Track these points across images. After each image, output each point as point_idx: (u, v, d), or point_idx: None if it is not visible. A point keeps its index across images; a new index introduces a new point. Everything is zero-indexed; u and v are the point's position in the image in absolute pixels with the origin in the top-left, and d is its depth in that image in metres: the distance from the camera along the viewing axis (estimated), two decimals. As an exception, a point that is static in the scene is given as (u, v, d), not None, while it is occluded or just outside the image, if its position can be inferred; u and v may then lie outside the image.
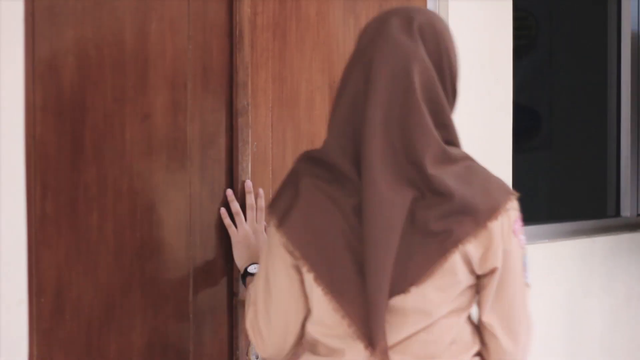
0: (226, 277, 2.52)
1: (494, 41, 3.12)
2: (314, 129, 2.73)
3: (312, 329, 2.01)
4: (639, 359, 3.67)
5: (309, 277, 1.96)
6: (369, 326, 1.91)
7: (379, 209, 1.89)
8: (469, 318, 2.01)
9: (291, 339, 2.05)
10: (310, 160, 1.99)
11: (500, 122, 3.14)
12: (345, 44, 2.80)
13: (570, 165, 3.94)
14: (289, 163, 2.67)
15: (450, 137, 1.97)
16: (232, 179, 2.53)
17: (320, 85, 2.76)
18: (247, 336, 2.19)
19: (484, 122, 3.12)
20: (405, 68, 1.93)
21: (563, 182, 3.93)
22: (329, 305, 1.94)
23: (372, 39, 1.97)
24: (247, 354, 2.52)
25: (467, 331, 2.00)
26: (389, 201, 1.89)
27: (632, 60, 3.69)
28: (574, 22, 3.84)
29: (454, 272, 1.92)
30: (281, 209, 1.97)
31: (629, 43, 3.68)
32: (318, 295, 1.96)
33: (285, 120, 2.67)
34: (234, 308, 2.52)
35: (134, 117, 2.37)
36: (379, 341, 1.91)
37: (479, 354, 2.02)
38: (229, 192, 2.49)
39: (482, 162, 3.01)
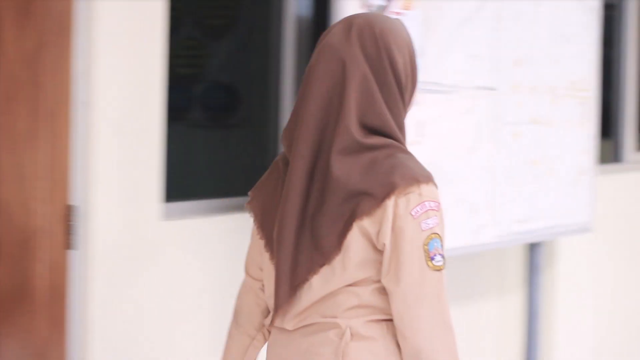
0: None
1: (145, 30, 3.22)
2: None
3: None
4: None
5: (262, 244, 2.31)
6: (275, 296, 2.26)
7: (285, 199, 2.22)
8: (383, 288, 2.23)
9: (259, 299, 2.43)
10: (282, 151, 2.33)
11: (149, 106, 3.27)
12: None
13: (257, 142, 4.04)
14: None
15: (381, 127, 2.20)
16: None
17: None
18: None
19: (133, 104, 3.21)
20: (338, 67, 2.21)
21: (243, 158, 4.03)
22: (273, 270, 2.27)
23: (316, 48, 2.27)
24: None
25: (377, 299, 2.21)
26: (294, 192, 2.20)
27: (294, 44, 3.88)
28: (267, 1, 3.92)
29: (355, 247, 2.17)
30: (253, 188, 2.36)
31: (292, 27, 3.87)
32: (267, 259, 2.30)
33: None
34: None
35: None
36: (278, 311, 2.26)
37: (390, 320, 2.23)
38: None
39: (132, 143, 3.17)
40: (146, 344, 3.26)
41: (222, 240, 3.53)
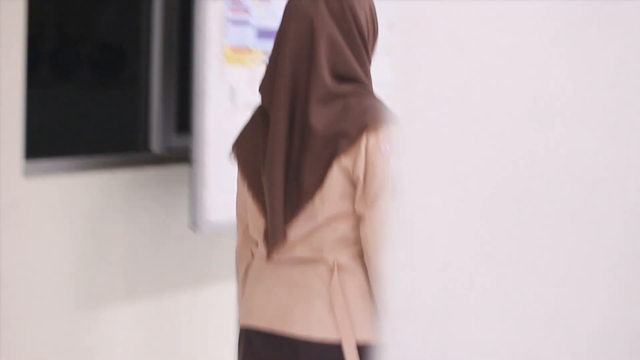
0: None
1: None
2: None
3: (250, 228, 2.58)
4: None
5: (245, 184, 2.54)
6: (269, 232, 2.48)
7: (272, 145, 2.44)
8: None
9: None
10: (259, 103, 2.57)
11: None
12: None
13: (127, 101, 4.05)
14: None
15: (351, 74, 2.48)
16: None
17: None
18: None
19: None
20: (307, 25, 2.46)
21: (114, 116, 4.04)
22: (256, 208, 2.51)
23: (285, 9, 2.51)
24: None
25: (356, 233, 2.46)
26: (279, 140, 2.43)
27: (163, 5, 3.90)
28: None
29: (335, 182, 2.42)
30: (235, 140, 2.59)
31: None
32: (249, 199, 2.53)
33: None
34: None
35: None
36: (273, 242, 2.47)
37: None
38: None
39: None
40: (5, 308, 3.25)
41: (87, 198, 3.54)
